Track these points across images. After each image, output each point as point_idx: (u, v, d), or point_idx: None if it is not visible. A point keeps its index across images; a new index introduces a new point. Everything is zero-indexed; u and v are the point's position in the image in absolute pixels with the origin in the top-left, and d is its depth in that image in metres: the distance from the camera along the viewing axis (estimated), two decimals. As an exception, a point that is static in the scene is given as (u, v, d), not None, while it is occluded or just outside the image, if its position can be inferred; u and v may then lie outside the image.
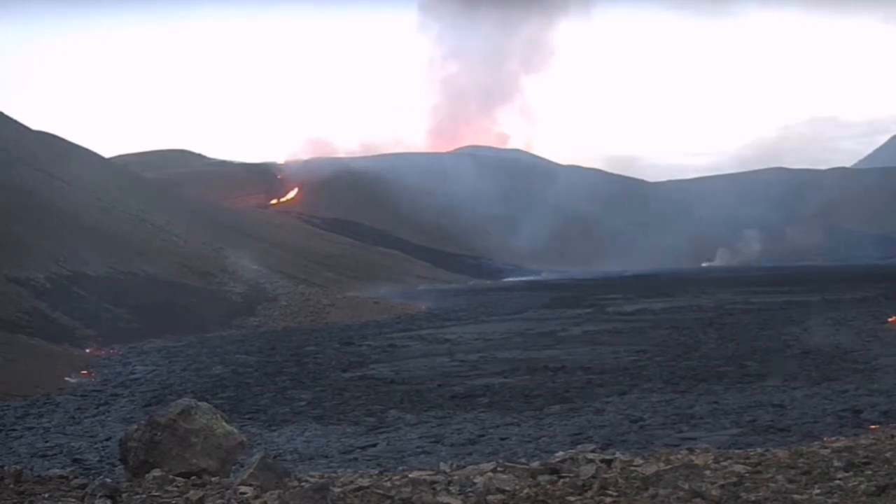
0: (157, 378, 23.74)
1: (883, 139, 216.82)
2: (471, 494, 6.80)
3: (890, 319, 30.23)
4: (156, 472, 7.56)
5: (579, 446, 8.70)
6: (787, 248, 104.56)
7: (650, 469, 7.26)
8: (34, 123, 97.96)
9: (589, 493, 6.76)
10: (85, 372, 24.99)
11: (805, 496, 6.51)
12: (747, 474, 7.20)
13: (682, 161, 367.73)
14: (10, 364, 24.03)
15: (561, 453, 8.04)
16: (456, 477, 7.38)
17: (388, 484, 7.18)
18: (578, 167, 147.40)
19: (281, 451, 14.37)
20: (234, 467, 8.23)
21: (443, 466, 8.02)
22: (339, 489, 6.83)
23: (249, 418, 17.36)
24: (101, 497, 6.68)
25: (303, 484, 7.13)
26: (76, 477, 7.68)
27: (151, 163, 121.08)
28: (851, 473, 7.09)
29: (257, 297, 45.69)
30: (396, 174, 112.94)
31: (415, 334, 33.28)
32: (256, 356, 28.01)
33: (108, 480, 7.31)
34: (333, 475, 8.23)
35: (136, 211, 58.88)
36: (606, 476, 7.16)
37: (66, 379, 23.44)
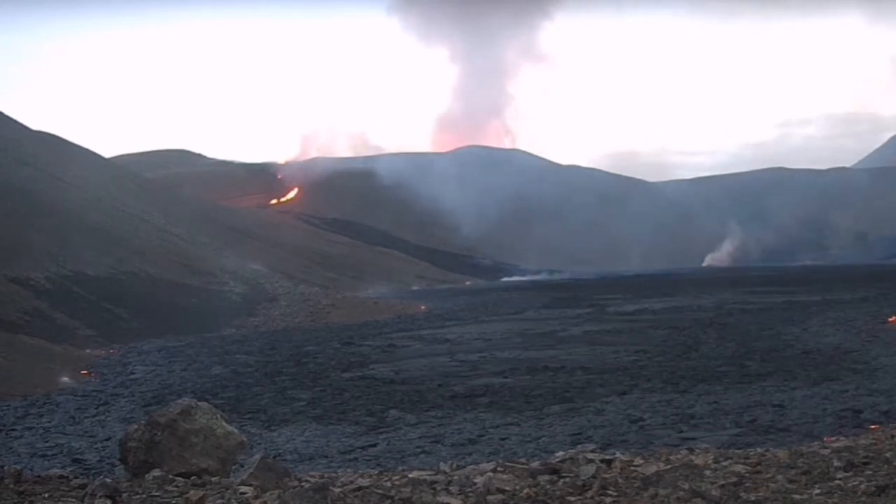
0: (157, 378, 23.75)
1: (883, 139, 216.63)
2: (471, 494, 6.79)
3: (890, 319, 30.23)
4: (156, 472, 7.55)
5: (579, 446, 8.69)
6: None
7: (650, 469, 7.26)
8: (34, 123, 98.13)
9: (589, 493, 6.75)
10: (85, 372, 25.00)
11: (805, 496, 6.51)
12: (747, 474, 7.20)
13: (682, 161, 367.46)
14: (10, 364, 24.03)
15: (561, 453, 8.03)
16: (456, 477, 7.37)
17: (388, 484, 7.17)
18: (578, 167, 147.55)
19: (281, 451, 14.38)
20: (234, 467, 8.22)
21: (443, 466, 8.01)
22: (339, 489, 6.83)
23: (249, 418, 17.36)
24: (101, 497, 6.68)
25: (303, 484, 7.13)
26: (76, 477, 7.67)
27: (151, 163, 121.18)
28: (851, 473, 7.09)
29: (257, 297, 45.72)
30: (396, 174, 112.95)
31: (415, 334, 33.28)
32: (256, 356, 28.01)
33: (108, 480, 7.30)
34: (333, 475, 8.23)
35: (136, 211, 58.93)
36: (606, 476, 7.15)
37: (66, 379, 23.45)
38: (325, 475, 8.26)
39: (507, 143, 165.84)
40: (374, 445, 14.70)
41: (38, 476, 7.62)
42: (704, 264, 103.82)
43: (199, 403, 8.24)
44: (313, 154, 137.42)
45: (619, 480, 7.02)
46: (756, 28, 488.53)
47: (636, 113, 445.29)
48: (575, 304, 45.99)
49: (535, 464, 7.80)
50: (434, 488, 7.00)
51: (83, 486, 7.18)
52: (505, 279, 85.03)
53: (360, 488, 6.90)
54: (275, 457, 11.51)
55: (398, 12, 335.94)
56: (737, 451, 9.18)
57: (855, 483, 6.75)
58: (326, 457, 13.99)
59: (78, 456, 14.53)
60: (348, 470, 10.02)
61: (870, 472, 7.06)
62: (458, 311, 44.86)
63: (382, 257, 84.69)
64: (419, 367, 23.96)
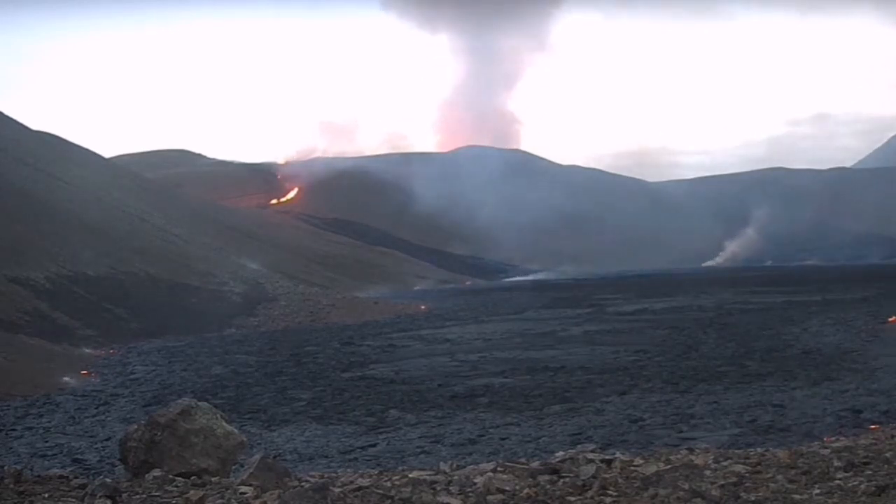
0: (157, 378, 23.74)
1: (883, 139, 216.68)
2: (471, 494, 6.79)
3: (890, 319, 30.23)
4: (156, 472, 7.55)
5: (579, 446, 8.68)
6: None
7: (650, 469, 7.25)
8: (34, 123, 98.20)
9: (589, 493, 6.75)
10: (85, 372, 24.99)
11: (805, 496, 6.50)
12: (747, 474, 7.19)
13: (682, 161, 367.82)
14: (10, 364, 24.02)
15: (561, 453, 8.02)
16: (456, 477, 7.37)
17: (388, 484, 7.17)
18: (578, 167, 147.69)
19: (281, 451, 14.36)
20: (234, 467, 8.22)
21: (443, 466, 8.01)
22: (339, 489, 6.82)
23: (249, 418, 17.35)
24: (101, 497, 6.67)
25: (303, 484, 7.13)
26: (76, 477, 7.67)
27: (151, 163, 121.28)
28: (851, 473, 7.08)
29: (257, 297, 45.69)
30: (396, 174, 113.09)
31: (415, 334, 33.27)
32: (256, 356, 28.01)
33: (108, 480, 7.30)
34: (333, 475, 8.22)
35: (136, 211, 58.92)
36: (606, 476, 7.15)
37: (66, 379, 23.44)
38: (325, 475, 8.26)
39: (507, 143, 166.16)
40: (374, 445, 14.69)
41: (38, 476, 7.62)
42: (705, 264, 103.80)
43: (199, 403, 8.24)
44: (328, 152, 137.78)
45: (619, 480, 7.02)
46: (757, 28, 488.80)
47: (637, 112, 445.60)
48: (575, 304, 45.98)
49: (535, 464, 7.79)
50: (434, 488, 7.00)
51: (83, 486, 7.18)
52: (505, 279, 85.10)
53: (360, 488, 6.89)
54: (275, 457, 11.46)
55: (394, 7, 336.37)
56: (737, 451, 9.17)
57: (855, 483, 6.75)
58: (326, 457, 13.98)
59: (78, 456, 14.52)
60: (348, 470, 10.01)
61: (870, 472, 7.05)
62: (459, 311, 44.86)
63: (383, 257, 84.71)
64: (419, 367, 23.95)
